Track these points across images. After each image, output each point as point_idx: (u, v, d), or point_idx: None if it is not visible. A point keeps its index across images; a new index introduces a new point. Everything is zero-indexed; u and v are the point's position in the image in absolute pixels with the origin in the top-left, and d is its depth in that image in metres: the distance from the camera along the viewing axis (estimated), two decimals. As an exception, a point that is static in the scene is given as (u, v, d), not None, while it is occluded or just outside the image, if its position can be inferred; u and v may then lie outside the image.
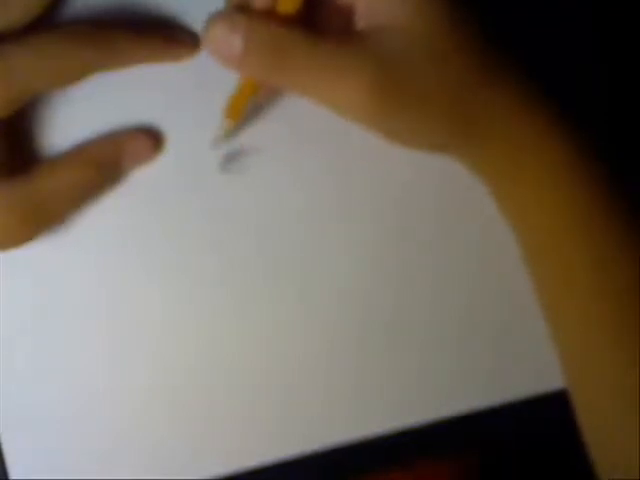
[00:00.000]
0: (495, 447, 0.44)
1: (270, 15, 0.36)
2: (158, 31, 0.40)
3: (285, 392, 0.42)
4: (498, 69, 0.37)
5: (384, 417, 0.42)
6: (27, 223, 0.38)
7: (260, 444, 0.42)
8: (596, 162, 0.37)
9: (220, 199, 0.41)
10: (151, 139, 0.40)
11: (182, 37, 0.40)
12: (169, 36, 0.40)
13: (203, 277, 0.41)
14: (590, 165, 0.37)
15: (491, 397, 0.42)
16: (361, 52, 0.36)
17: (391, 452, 0.42)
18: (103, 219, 0.41)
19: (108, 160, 0.40)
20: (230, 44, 0.36)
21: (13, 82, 0.36)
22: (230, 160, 0.41)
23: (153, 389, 0.41)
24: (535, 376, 0.42)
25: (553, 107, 0.37)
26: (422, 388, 0.42)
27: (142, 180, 0.40)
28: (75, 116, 0.40)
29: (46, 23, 0.38)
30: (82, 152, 0.40)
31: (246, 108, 0.39)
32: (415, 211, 0.42)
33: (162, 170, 0.41)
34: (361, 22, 0.37)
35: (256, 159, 0.41)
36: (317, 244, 0.41)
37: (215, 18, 0.36)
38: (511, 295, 0.41)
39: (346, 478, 0.44)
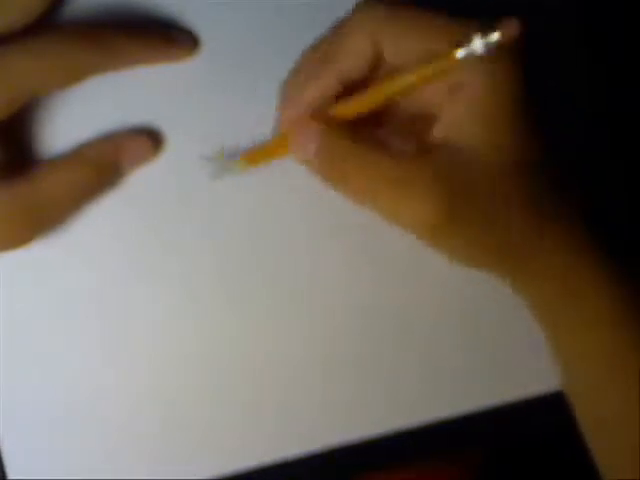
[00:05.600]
0: (495, 447, 0.44)
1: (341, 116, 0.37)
2: (157, 32, 0.40)
3: (285, 392, 0.41)
4: (564, 210, 0.37)
5: (384, 417, 0.42)
6: (26, 224, 0.38)
7: (260, 444, 0.41)
8: None
9: (219, 200, 0.41)
10: (150, 140, 0.40)
11: (181, 38, 0.40)
12: (168, 37, 0.40)
13: (202, 278, 0.41)
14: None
15: (491, 397, 0.42)
16: (431, 167, 0.35)
17: (391, 452, 0.42)
18: (102, 219, 0.41)
19: (107, 161, 0.40)
20: (306, 148, 0.37)
21: (13, 83, 0.36)
22: (229, 161, 0.41)
23: (152, 389, 0.41)
24: (535, 377, 0.42)
25: (604, 251, 0.38)
26: (422, 388, 0.42)
27: (141, 181, 0.41)
28: (74, 117, 0.40)
29: (46, 24, 0.38)
30: (81, 153, 0.40)
31: (267, 164, 0.40)
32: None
33: (161, 171, 0.41)
34: (440, 134, 0.36)
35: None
36: (316, 244, 0.41)
37: (290, 103, 0.38)
38: (512, 296, 0.40)
39: (346, 478, 0.44)
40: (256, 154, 0.40)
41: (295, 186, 0.41)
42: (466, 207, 0.36)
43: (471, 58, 0.34)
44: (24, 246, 0.38)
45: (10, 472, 0.41)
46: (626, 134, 0.43)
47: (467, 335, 0.42)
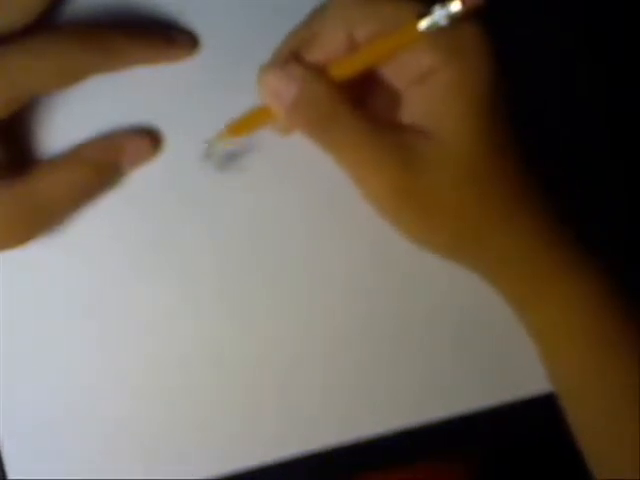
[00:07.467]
0: (493, 447, 0.44)
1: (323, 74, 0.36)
2: (157, 32, 0.40)
3: (285, 392, 0.42)
4: (525, 201, 0.37)
5: (384, 417, 0.42)
6: (26, 223, 0.38)
7: (260, 444, 0.42)
8: (616, 296, 0.37)
9: (218, 199, 0.41)
10: (150, 139, 0.40)
11: (181, 38, 0.40)
12: (168, 37, 0.40)
13: (202, 277, 0.41)
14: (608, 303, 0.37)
15: (489, 398, 0.42)
16: (395, 150, 0.36)
17: (391, 452, 0.42)
18: (102, 219, 0.40)
19: (107, 160, 0.40)
20: (284, 92, 0.36)
21: (13, 83, 0.36)
22: (228, 160, 0.41)
23: (152, 389, 0.41)
24: (532, 377, 0.42)
25: (571, 243, 0.38)
26: (422, 388, 0.42)
27: (141, 181, 0.40)
28: (74, 116, 0.40)
29: (46, 24, 0.38)
30: (81, 152, 0.40)
31: (251, 134, 0.40)
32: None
33: (161, 171, 0.41)
34: (405, 117, 0.37)
35: (255, 159, 0.41)
36: (316, 243, 0.41)
37: (271, 65, 0.37)
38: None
39: (345, 478, 0.44)
40: (240, 124, 0.39)
41: (295, 186, 0.41)
42: (422, 196, 0.36)
43: (435, 29, 0.34)
44: (23, 246, 0.38)
45: (10, 472, 0.41)
46: (626, 134, 0.43)
47: (465, 336, 0.42)
